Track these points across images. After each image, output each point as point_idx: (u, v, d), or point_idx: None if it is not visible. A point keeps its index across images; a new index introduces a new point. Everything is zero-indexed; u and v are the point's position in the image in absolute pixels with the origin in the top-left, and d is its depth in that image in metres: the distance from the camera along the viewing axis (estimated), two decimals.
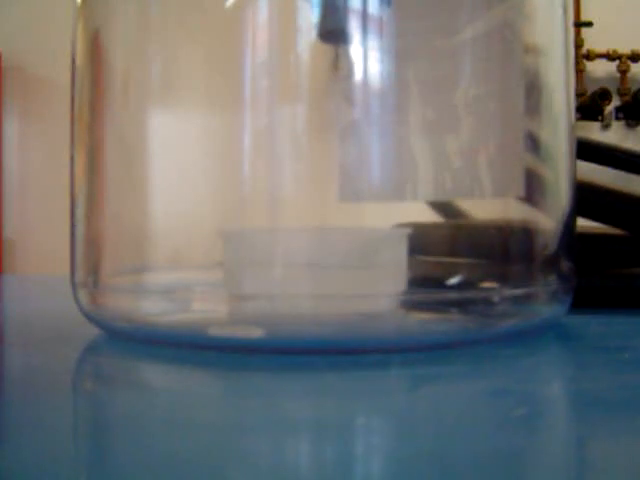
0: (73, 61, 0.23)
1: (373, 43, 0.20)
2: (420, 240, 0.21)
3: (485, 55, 0.22)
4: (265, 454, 0.12)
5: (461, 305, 0.20)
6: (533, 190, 0.22)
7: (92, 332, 0.22)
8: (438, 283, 0.21)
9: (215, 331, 0.20)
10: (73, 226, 0.23)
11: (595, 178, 0.28)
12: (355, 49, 0.20)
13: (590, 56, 1.66)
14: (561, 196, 0.23)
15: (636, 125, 1.71)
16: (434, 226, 0.23)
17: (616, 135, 1.69)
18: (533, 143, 0.22)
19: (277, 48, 0.20)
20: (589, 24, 1.62)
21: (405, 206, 0.22)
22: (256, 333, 0.19)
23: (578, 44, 1.62)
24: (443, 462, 0.11)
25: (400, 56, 0.20)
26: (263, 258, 0.21)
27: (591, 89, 1.65)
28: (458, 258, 0.22)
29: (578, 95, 1.58)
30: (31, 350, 0.21)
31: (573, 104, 0.23)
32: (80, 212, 0.23)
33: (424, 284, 0.21)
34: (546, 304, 0.22)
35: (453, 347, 0.20)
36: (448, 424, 0.14)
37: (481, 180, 0.22)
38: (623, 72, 1.68)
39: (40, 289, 0.43)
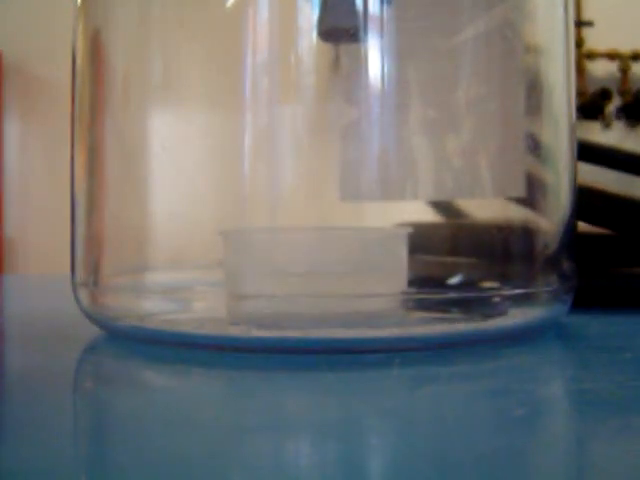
0: (73, 61, 0.23)
1: (373, 42, 0.20)
2: (420, 240, 0.21)
3: (486, 55, 0.22)
4: (265, 454, 0.12)
5: (462, 305, 0.20)
6: (534, 190, 0.22)
7: (92, 332, 0.22)
8: (438, 283, 0.21)
9: (215, 331, 0.20)
10: (73, 226, 0.23)
11: (591, 181, 0.28)
12: (355, 48, 0.20)
13: (591, 56, 1.66)
14: (562, 196, 0.23)
15: (637, 125, 1.71)
16: (434, 226, 0.23)
17: (617, 135, 1.69)
18: (533, 143, 0.22)
19: (277, 48, 0.20)
20: (590, 24, 1.62)
21: (405, 206, 0.22)
22: (256, 333, 0.19)
23: (579, 43, 1.62)
24: (443, 462, 0.11)
25: (400, 56, 0.20)
26: (263, 258, 0.21)
27: (592, 89, 1.65)
28: (458, 258, 0.22)
29: (579, 95, 1.58)
30: (31, 350, 0.21)
31: (574, 104, 0.23)
32: (80, 212, 0.23)
33: (424, 284, 0.21)
34: (547, 304, 0.22)
35: (453, 347, 0.20)
36: (448, 424, 0.14)
37: (481, 180, 0.22)
38: (624, 72, 1.68)
39: (40, 289, 0.43)
